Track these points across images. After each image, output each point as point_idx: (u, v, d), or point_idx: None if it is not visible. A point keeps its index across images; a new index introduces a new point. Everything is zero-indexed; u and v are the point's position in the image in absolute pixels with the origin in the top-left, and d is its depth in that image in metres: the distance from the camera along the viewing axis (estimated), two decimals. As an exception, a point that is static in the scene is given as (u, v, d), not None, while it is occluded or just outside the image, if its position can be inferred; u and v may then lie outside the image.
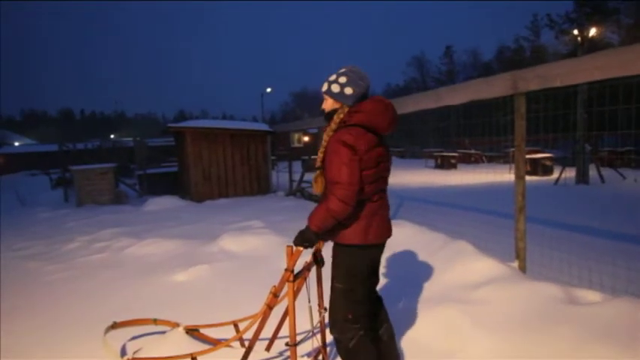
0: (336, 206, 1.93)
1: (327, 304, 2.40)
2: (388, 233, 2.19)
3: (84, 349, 2.90)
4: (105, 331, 2.79)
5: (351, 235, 2.06)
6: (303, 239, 2.04)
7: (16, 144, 42.91)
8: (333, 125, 2.06)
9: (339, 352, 2.17)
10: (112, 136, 43.02)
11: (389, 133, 2.11)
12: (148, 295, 3.95)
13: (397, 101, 5.61)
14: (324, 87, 2.13)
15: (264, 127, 11.87)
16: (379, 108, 2.05)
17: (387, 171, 2.16)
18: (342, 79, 2.07)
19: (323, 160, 2.04)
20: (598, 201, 8.92)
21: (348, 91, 2.06)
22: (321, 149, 2.06)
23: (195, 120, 12.69)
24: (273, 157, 13.30)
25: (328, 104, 2.13)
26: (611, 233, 5.31)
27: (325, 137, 2.06)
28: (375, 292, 2.32)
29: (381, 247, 2.19)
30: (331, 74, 2.14)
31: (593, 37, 14.53)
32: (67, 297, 4.02)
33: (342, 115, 2.06)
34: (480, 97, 4.03)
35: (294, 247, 2.07)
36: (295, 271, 2.12)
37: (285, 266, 2.10)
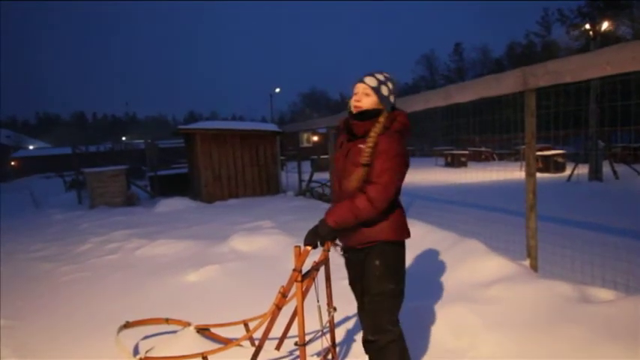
0: (364, 206, 1.90)
1: (336, 303, 2.41)
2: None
3: (96, 349, 2.95)
4: (118, 331, 2.82)
5: (401, 230, 2.08)
6: (316, 234, 2.02)
7: (31, 147, 43.75)
8: (379, 128, 1.99)
9: (371, 350, 2.13)
10: (123, 139, 43.58)
11: None
12: (159, 295, 4.00)
13: (406, 99, 5.59)
14: (374, 82, 2.03)
15: (272, 127, 11.91)
16: (409, 124, 2.11)
17: None
18: (391, 85, 2.06)
19: (369, 158, 1.95)
20: (612, 198, 8.77)
21: (392, 99, 2.07)
22: (369, 146, 1.95)
23: (204, 122, 12.81)
24: (282, 158, 13.34)
25: (369, 101, 2.03)
26: (626, 230, 5.21)
27: (373, 135, 1.97)
28: None
29: None
30: (377, 72, 2.08)
31: (605, 31, 14.28)
32: (80, 297, 4.09)
33: (385, 120, 2.02)
34: (489, 94, 3.99)
35: (302, 247, 2.07)
36: (303, 271, 2.13)
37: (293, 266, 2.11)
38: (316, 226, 2.03)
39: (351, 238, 2.10)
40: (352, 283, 2.26)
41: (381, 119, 2.01)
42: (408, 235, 2.14)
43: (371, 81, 2.04)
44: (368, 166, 1.96)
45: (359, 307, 2.26)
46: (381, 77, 2.06)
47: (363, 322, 2.20)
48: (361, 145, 2.00)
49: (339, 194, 2.14)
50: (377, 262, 2.05)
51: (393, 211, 2.06)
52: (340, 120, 2.22)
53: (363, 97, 2.04)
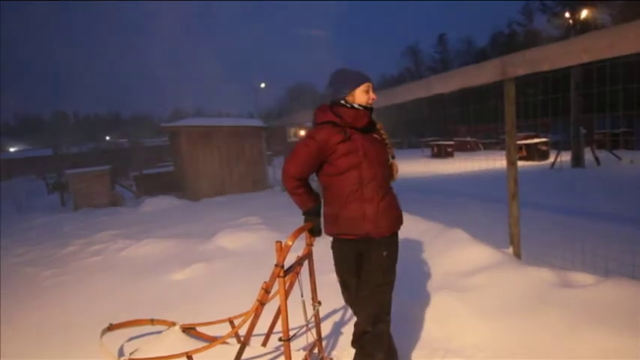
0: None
1: (320, 297, 2.41)
2: None
3: (81, 353, 2.91)
4: (101, 334, 2.79)
5: (401, 220, 2.23)
6: None
7: (12, 150, 42.82)
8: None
9: (362, 341, 2.16)
10: (107, 138, 42.84)
11: None
12: (145, 295, 3.96)
13: (390, 91, 5.59)
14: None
15: (258, 123, 11.83)
16: None
17: None
18: None
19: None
20: (592, 184, 8.94)
21: None
22: (388, 140, 2.24)
23: (189, 118, 12.65)
24: (269, 153, 13.28)
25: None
26: (606, 215, 5.32)
27: (380, 127, 2.25)
28: None
29: None
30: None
31: (585, 19, 14.46)
32: (63, 301, 4.02)
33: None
34: (470, 84, 4.01)
35: (284, 243, 2.06)
36: (287, 266, 2.12)
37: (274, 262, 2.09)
38: None
39: (383, 225, 2.09)
40: (348, 276, 2.22)
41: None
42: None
43: (371, 79, 2.21)
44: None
45: (352, 300, 2.24)
46: None
47: (361, 314, 2.18)
48: (377, 136, 2.20)
49: (378, 182, 2.09)
50: (385, 254, 2.12)
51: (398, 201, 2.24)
52: (359, 114, 2.12)
53: (374, 95, 2.21)
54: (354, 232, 2.10)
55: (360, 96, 2.14)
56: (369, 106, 2.17)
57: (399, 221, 2.20)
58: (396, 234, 2.20)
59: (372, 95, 2.17)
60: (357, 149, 2.07)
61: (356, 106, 2.12)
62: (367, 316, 2.13)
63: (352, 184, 2.07)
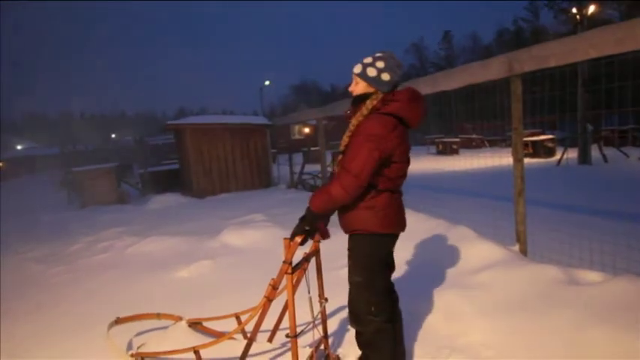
0: (336, 192, 1.90)
1: (327, 294, 2.42)
2: (405, 222, 2.18)
3: (89, 347, 2.93)
4: (108, 327, 2.81)
5: (376, 224, 2.00)
6: (303, 219, 2.00)
7: (19, 147, 43.17)
8: (364, 111, 1.97)
9: (359, 343, 2.17)
10: (112, 136, 43.05)
11: (417, 127, 2.05)
12: (151, 292, 3.98)
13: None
14: (358, 69, 2.03)
15: (263, 120, 11.85)
16: (415, 99, 1.98)
17: (409, 163, 2.14)
18: (380, 64, 1.98)
19: (347, 144, 1.97)
20: (599, 181, 8.87)
21: (385, 77, 1.97)
22: (348, 133, 1.98)
23: (194, 116, 12.69)
24: (273, 150, 13.28)
25: (360, 87, 2.03)
26: (613, 212, 5.29)
27: (354, 122, 1.98)
28: (391, 282, 2.31)
29: (397, 236, 2.18)
30: (366, 57, 2.05)
31: (592, 14, 14.30)
32: (71, 297, 4.06)
33: (375, 102, 1.97)
34: (476, 80, 3.99)
35: (293, 238, 2.07)
36: (294, 263, 2.12)
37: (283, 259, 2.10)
38: (304, 215, 2.04)
39: (340, 224, 2.12)
40: None
41: (368, 102, 2.00)
42: (392, 228, 2.05)
43: (356, 68, 2.06)
44: (343, 152, 1.99)
45: None
46: (367, 60, 2.03)
47: None
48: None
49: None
50: (349, 253, 2.10)
51: (376, 200, 1.99)
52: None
53: (354, 86, 2.07)
54: None
55: None
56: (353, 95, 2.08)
57: (350, 225, 2.05)
58: (353, 237, 2.07)
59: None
60: None
61: None
62: (349, 316, 2.18)
63: None
